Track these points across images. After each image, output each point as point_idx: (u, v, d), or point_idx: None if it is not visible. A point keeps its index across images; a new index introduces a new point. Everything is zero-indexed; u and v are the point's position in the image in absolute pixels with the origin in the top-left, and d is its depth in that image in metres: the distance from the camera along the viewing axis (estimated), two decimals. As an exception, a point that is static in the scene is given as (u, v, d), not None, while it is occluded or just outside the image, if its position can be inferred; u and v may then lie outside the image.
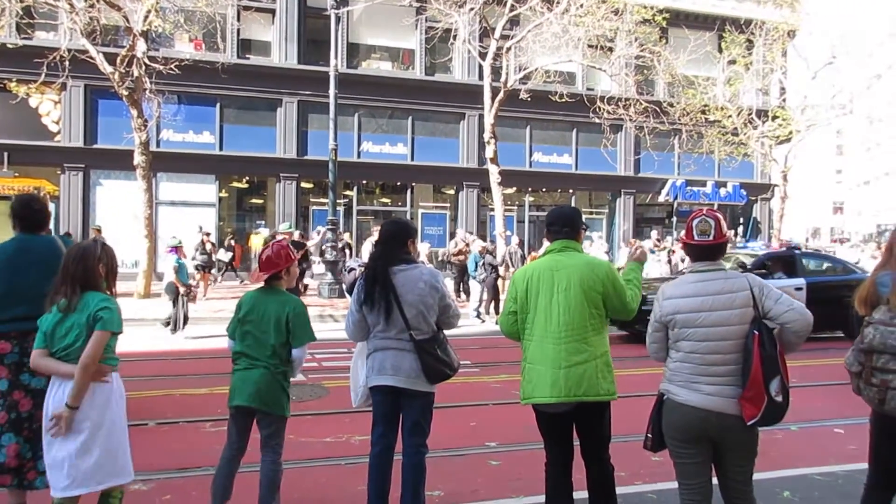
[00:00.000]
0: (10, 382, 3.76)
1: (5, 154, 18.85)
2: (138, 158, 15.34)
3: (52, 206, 19.23)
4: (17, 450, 3.75)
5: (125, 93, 14.87)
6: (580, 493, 3.83)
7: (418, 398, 4.00)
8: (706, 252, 3.36)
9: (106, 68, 14.63)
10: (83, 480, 3.32)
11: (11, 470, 3.76)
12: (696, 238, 3.36)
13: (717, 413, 3.19)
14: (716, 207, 25.63)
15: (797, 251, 13.08)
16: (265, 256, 4.10)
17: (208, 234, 17.98)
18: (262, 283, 4.13)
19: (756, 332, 3.15)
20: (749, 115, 21.87)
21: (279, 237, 14.67)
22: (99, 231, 18.11)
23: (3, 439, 3.77)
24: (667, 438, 3.36)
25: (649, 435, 3.44)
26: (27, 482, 3.80)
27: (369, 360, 4.07)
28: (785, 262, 12.48)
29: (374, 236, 16.94)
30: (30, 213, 3.95)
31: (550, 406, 3.61)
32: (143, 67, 15.07)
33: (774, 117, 22.08)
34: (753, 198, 27.19)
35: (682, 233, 3.46)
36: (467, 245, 15.93)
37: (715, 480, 3.38)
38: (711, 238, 3.33)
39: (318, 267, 17.51)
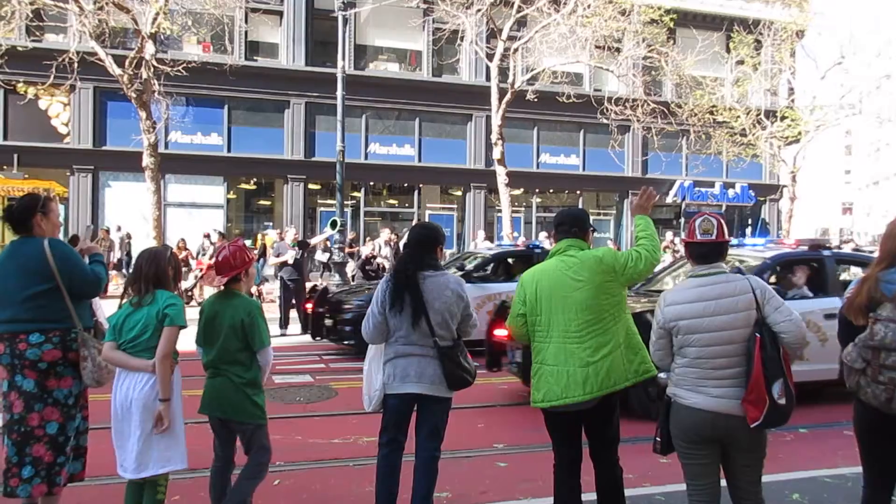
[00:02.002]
0: (9, 383, 3.74)
1: (15, 156, 18.96)
2: (147, 160, 15.39)
3: (61, 208, 19.38)
4: (6, 452, 3.71)
5: (134, 95, 14.93)
6: (588, 495, 3.82)
7: (440, 404, 4.00)
8: (708, 251, 3.34)
9: (115, 70, 14.70)
10: (150, 464, 3.62)
11: (2, 472, 3.72)
12: (698, 237, 3.33)
13: (725, 415, 3.18)
14: (724, 208, 25.58)
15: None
16: (222, 258, 3.96)
17: (208, 235, 18.05)
18: (221, 287, 3.99)
19: (758, 335, 3.14)
20: (757, 115, 21.78)
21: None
22: (107, 233, 18.24)
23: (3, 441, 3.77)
24: (675, 441, 3.35)
25: (658, 438, 3.43)
26: (9, 489, 3.70)
27: (389, 366, 3.98)
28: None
29: (382, 237, 17.00)
30: (9, 214, 3.88)
31: (579, 405, 3.60)
32: (152, 69, 15.13)
33: (783, 118, 21.97)
34: (762, 199, 27.09)
35: (684, 234, 3.43)
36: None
37: (724, 482, 3.37)
38: (714, 237, 3.31)
39: (321, 255, 17.54)
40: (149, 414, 3.61)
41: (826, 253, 7.79)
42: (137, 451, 3.60)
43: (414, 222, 21.24)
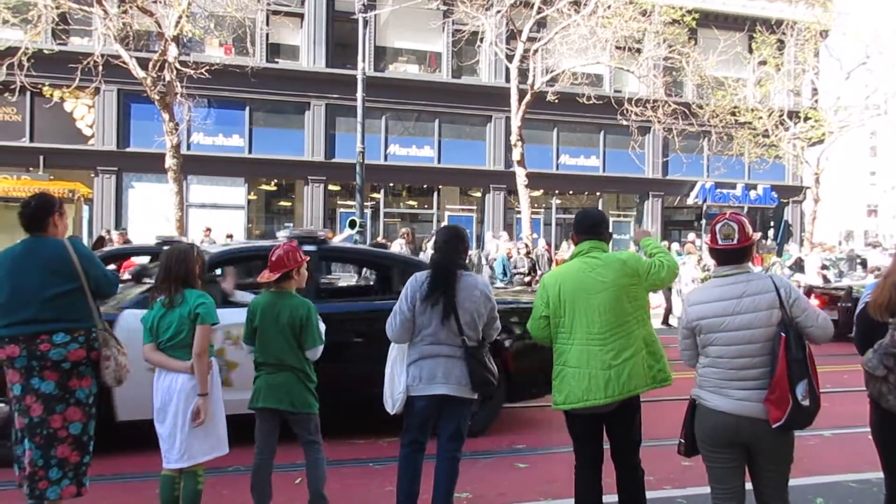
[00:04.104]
0: (23, 387, 3.67)
1: (41, 157, 19.25)
2: (169, 161, 15.55)
3: (85, 209, 19.66)
4: (31, 456, 3.67)
5: (157, 97, 15.10)
6: (610, 497, 3.81)
7: (464, 405, 4.01)
8: (731, 256, 3.32)
9: (138, 73, 14.87)
10: (195, 454, 3.81)
11: (26, 477, 3.69)
12: (720, 242, 3.31)
13: (749, 418, 3.14)
14: (745, 210, 25.30)
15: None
16: (275, 257, 4.08)
17: (231, 237, 18.21)
18: (271, 285, 4.12)
19: (783, 335, 3.10)
20: (780, 116, 21.53)
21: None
22: (124, 234, 18.42)
23: (24, 444, 3.72)
24: (699, 443, 3.33)
25: (682, 440, 3.41)
26: (38, 492, 3.68)
27: (414, 367, 3.96)
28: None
29: (402, 239, 17.05)
30: (25, 212, 3.82)
31: (599, 408, 3.59)
32: (175, 72, 15.28)
33: (806, 118, 21.71)
34: (785, 200, 26.77)
35: (708, 238, 3.42)
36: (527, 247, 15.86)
37: (749, 485, 3.33)
38: (735, 242, 3.28)
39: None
40: (190, 407, 3.79)
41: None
42: (181, 442, 3.77)
43: (434, 223, 21.27)
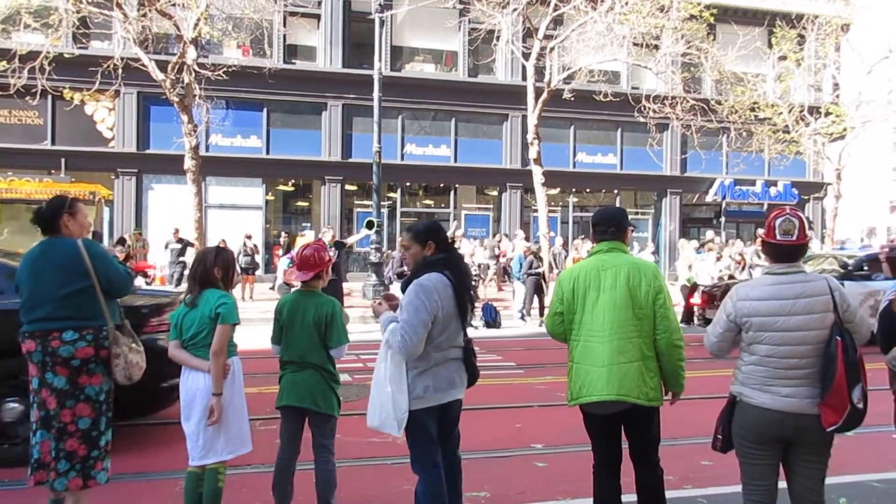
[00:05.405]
0: (39, 381, 3.82)
1: (62, 160, 19.52)
2: (188, 163, 15.69)
3: (106, 210, 19.88)
4: (48, 446, 3.80)
5: (176, 99, 15.24)
6: (629, 496, 3.79)
7: (460, 406, 3.91)
8: (788, 252, 3.25)
9: (157, 75, 15.01)
10: (218, 450, 3.87)
11: (45, 465, 3.81)
12: (778, 237, 3.24)
13: (795, 414, 3.14)
14: (766, 207, 25.05)
15: None
16: (304, 256, 4.15)
17: (250, 237, 18.35)
18: (298, 285, 4.19)
19: (839, 338, 3.08)
20: (801, 111, 21.27)
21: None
22: (139, 235, 18.60)
23: (37, 436, 3.84)
24: (737, 439, 3.31)
25: (719, 436, 3.38)
26: (48, 481, 3.81)
27: (425, 377, 3.60)
28: None
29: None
30: (37, 217, 3.95)
31: (601, 406, 3.56)
32: (193, 74, 15.42)
33: (828, 114, 21.44)
34: (805, 197, 26.48)
35: (762, 231, 3.33)
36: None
37: (783, 484, 3.31)
38: (795, 238, 3.22)
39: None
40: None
41: None
42: (204, 440, 3.85)
43: (450, 223, 21.26)
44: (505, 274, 20.71)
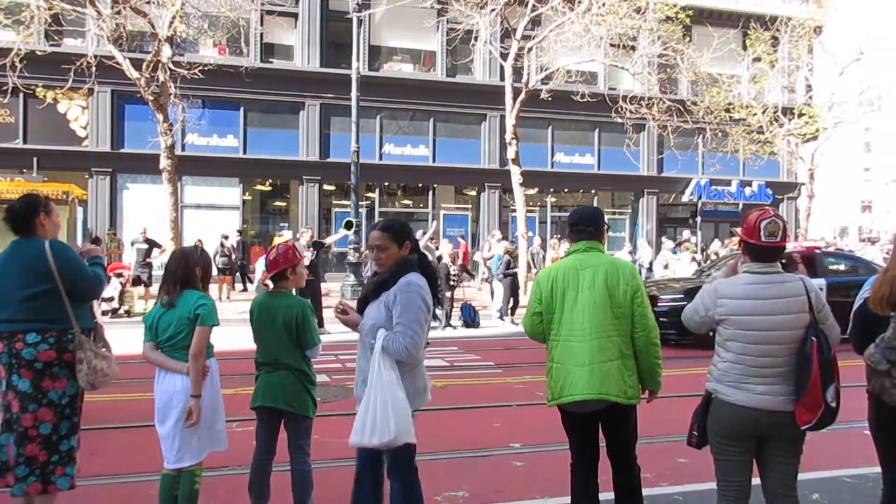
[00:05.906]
0: (6, 383, 3.76)
1: (35, 159, 19.19)
2: (164, 162, 15.53)
3: (79, 210, 19.58)
4: (12, 450, 3.74)
5: (151, 98, 15.07)
6: (606, 495, 3.81)
7: None
8: (770, 253, 3.30)
9: (132, 74, 14.84)
10: (192, 453, 3.83)
11: (10, 469, 3.75)
12: (763, 239, 3.27)
13: (769, 411, 3.19)
14: (741, 207, 25.36)
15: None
16: (271, 257, 4.15)
17: (227, 237, 18.13)
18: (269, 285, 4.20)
19: (815, 339, 3.14)
20: (775, 112, 21.58)
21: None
22: (114, 235, 18.36)
23: (1, 438, 3.77)
24: (712, 436, 3.36)
25: (694, 432, 3.43)
26: (8, 486, 3.75)
27: (418, 376, 3.59)
28: None
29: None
30: (9, 215, 3.87)
31: (581, 405, 3.58)
32: (168, 72, 15.26)
33: (801, 115, 21.76)
34: (779, 197, 26.85)
35: (741, 230, 3.37)
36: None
37: (756, 481, 3.35)
38: (779, 240, 3.28)
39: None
40: (187, 405, 3.80)
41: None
42: (180, 442, 3.79)
43: (429, 222, 21.24)
44: (465, 272, 20.68)
